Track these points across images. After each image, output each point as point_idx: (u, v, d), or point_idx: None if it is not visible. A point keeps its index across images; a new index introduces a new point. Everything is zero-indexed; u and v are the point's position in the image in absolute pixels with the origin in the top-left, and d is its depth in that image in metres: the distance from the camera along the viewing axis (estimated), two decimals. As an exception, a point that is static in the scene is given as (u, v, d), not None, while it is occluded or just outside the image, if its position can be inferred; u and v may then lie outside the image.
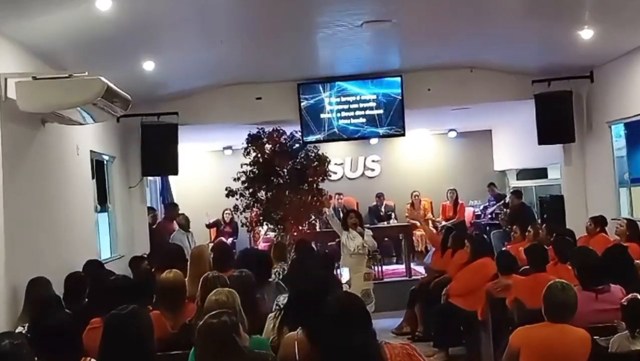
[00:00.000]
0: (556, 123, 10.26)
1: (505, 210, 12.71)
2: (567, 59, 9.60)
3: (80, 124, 7.27)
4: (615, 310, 4.67)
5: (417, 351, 3.47)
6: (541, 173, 13.82)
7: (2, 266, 5.74)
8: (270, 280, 5.92)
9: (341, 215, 12.71)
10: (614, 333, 4.41)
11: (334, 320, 3.49)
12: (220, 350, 3.38)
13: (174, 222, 11.50)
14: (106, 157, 9.79)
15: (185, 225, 11.08)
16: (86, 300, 5.88)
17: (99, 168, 9.34)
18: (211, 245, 11.61)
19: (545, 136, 10.38)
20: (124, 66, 7.84)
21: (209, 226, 13.56)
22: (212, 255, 6.41)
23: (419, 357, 3.43)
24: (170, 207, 12.28)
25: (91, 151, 8.77)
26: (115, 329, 3.39)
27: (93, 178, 8.91)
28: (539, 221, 10.92)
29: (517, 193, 12.49)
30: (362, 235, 8.86)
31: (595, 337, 4.33)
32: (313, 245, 8.91)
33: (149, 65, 8.26)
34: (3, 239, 5.76)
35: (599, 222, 8.71)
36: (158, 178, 13.09)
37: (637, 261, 7.03)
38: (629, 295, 4.55)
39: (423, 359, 3.46)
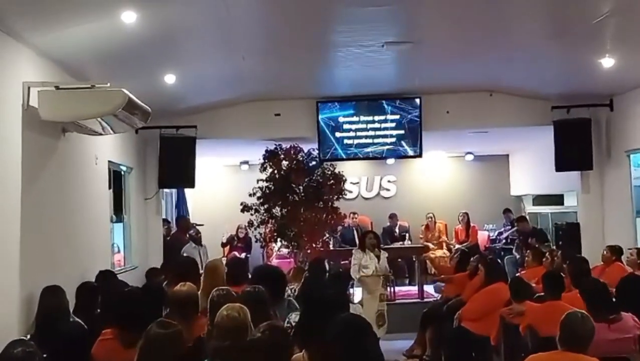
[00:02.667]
0: (574, 150, 10.22)
1: (518, 238, 12.63)
2: (587, 86, 9.58)
3: (100, 134, 7.33)
4: (629, 339, 4.62)
5: None
6: (558, 199, 13.73)
7: (17, 273, 5.77)
8: (284, 297, 5.89)
9: (355, 234, 12.74)
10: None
11: (346, 341, 3.47)
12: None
13: (187, 234, 11.54)
14: (124, 168, 9.86)
15: (197, 239, 11.12)
16: (98, 310, 5.89)
17: (116, 178, 9.41)
18: (224, 259, 11.69)
19: (563, 163, 10.34)
20: (145, 78, 7.90)
21: (223, 245, 13.57)
22: (226, 270, 6.40)
23: None
24: (182, 219, 12.34)
25: (109, 161, 8.84)
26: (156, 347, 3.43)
27: (110, 188, 8.97)
28: (554, 247, 10.84)
29: (522, 218, 12.50)
30: (378, 257, 8.88)
31: (608, 367, 4.30)
32: (326, 264, 8.89)
33: (170, 78, 8.32)
34: (19, 246, 5.79)
35: (615, 251, 8.63)
36: (174, 191, 13.15)
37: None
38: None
39: None
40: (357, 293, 8.30)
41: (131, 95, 6.13)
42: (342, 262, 11.06)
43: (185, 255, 10.16)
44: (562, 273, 6.91)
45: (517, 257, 11.87)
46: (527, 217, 13.04)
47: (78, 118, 6.36)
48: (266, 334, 3.50)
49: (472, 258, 8.86)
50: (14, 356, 3.53)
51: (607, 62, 8.13)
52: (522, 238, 11.95)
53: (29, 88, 6.01)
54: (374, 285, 8.58)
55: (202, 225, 11.76)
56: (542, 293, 6.50)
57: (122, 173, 9.88)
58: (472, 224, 13.60)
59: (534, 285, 7.41)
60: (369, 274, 8.76)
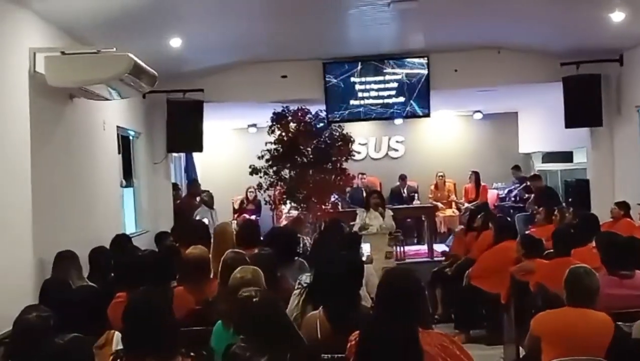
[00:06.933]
0: (584, 106, 10.13)
1: (527, 194, 12.60)
2: (597, 41, 9.46)
3: (107, 100, 7.33)
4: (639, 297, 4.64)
5: (457, 344, 3.34)
6: (567, 156, 13.68)
7: (30, 239, 5.83)
8: (295, 258, 5.92)
9: (363, 195, 12.76)
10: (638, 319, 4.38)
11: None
12: (271, 326, 3.43)
13: (197, 198, 11.59)
14: (132, 133, 9.87)
15: (209, 202, 11.17)
16: (112, 274, 5.93)
17: (124, 143, 9.43)
18: (234, 222, 11.75)
19: (573, 119, 10.27)
20: (151, 42, 7.85)
21: (235, 211, 13.65)
22: (237, 232, 6.41)
23: (455, 350, 3.28)
24: (192, 183, 12.38)
25: (117, 127, 8.85)
26: (132, 310, 3.42)
27: (119, 153, 9.00)
28: (564, 205, 10.82)
29: (536, 177, 12.38)
30: (382, 215, 8.98)
31: (619, 323, 4.31)
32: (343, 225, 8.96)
33: (175, 42, 8.27)
34: (31, 213, 5.85)
35: (623, 207, 8.64)
36: (182, 155, 13.17)
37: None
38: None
39: (460, 353, 3.30)
40: (365, 251, 8.29)
41: (137, 60, 6.11)
42: (351, 223, 11.03)
43: (197, 217, 10.24)
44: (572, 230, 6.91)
45: (530, 211, 11.79)
46: (538, 175, 12.87)
47: (85, 84, 6.35)
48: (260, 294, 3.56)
49: (478, 216, 8.87)
50: (29, 321, 3.57)
51: (617, 17, 8.02)
52: (535, 197, 11.86)
53: (34, 54, 6.00)
54: (379, 244, 8.65)
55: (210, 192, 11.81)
56: (552, 250, 6.51)
57: (131, 138, 9.89)
58: (482, 183, 13.59)
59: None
60: (372, 232, 8.84)
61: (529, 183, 12.58)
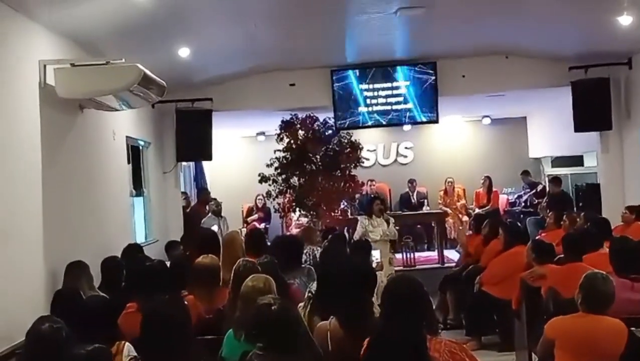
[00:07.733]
0: (593, 110, 10.09)
1: (537, 199, 12.54)
2: (605, 45, 9.43)
3: (117, 110, 7.36)
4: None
5: (467, 352, 3.33)
6: (577, 160, 13.64)
7: (41, 249, 5.85)
8: (302, 266, 5.92)
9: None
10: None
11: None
12: (289, 334, 3.43)
13: (207, 206, 11.62)
14: (141, 143, 9.90)
15: (217, 210, 11.19)
16: (123, 283, 5.94)
17: (134, 153, 9.46)
18: (244, 230, 11.76)
19: (582, 123, 10.23)
20: (159, 52, 7.89)
21: (245, 221, 13.68)
22: (244, 240, 6.42)
23: (464, 357, 3.27)
24: (202, 191, 12.41)
25: (127, 137, 8.88)
26: (152, 319, 3.43)
27: (129, 163, 9.03)
28: (575, 209, 10.77)
29: (556, 180, 12.31)
30: (387, 222, 9.00)
31: (631, 328, 4.29)
32: (345, 233, 8.94)
33: (184, 52, 8.31)
34: (42, 223, 5.87)
35: (634, 211, 8.59)
36: (192, 164, 13.22)
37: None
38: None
39: (470, 360, 3.29)
40: (376, 257, 8.26)
41: (146, 70, 6.14)
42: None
43: (205, 226, 10.24)
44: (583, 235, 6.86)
45: (541, 216, 11.72)
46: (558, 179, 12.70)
47: (94, 95, 6.38)
48: (278, 302, 3.55)
49: (483, 224, 8.79)
50: (42, 332, 3.58)
51: (625, 20, 7.99)
52: (548, 200, 11.78)
53: (44, 66, 6.04)
54: (381, 250, 8.67)
55: (221, 202, 11.83)
56: (562, 255, 6.48)
57: (140, 148, 9.93)
58: (494, 188, 13.55)
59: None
60: (375, 239, 8.84)
61: (548, 183, 12.47)
